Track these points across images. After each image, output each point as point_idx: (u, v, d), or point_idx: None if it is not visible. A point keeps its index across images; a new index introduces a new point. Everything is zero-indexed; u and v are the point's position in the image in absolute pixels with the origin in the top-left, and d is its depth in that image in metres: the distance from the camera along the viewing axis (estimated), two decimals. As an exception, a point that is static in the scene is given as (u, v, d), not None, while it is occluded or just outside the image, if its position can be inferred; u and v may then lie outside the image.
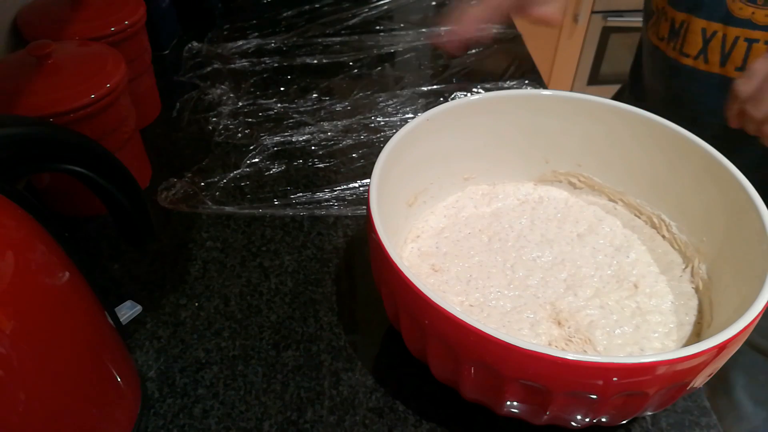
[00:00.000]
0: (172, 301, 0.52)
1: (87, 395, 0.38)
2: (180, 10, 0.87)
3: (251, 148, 0.68)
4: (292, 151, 0.68)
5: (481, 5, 0.53)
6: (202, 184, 0.64)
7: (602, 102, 0.50)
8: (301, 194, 0.63)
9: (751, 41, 0.59)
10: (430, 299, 0.35)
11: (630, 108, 0.49)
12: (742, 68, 0.61)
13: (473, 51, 0.85)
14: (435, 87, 0.78)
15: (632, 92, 0.82)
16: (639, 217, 0.52)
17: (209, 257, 0.56)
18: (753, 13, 0.58)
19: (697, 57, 0.64)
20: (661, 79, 0.72)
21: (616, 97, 0.76)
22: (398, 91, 0.77)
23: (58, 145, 0.38)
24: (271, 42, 0.87)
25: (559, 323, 0.44)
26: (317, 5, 0.95)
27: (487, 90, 0.77)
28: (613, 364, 0.32)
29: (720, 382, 0.73)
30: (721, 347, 0.33)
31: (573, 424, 0.38)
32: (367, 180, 0.55)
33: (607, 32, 1.72)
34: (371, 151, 0.68)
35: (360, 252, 0.57)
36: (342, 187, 0.63)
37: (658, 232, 0.50)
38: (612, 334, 0.43)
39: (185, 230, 0.59)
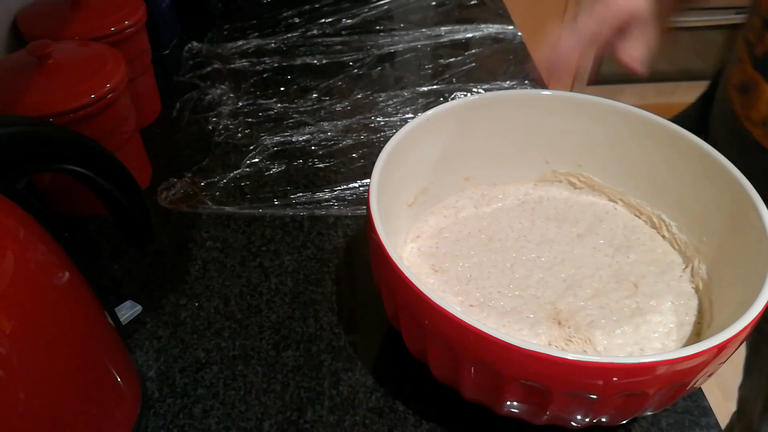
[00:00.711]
0: (172, 301, 0.52)
1: (87, 395, 0.38)
2: (180, 10, 0.87)
3: (251, 148, 0.68)
4: (292, 151, 0.68)
5: (574, 35, 0.50)
6: (202, 184, 0.64)
7: (602, 102, 0.50)
8: (301, 194, 0.63)
9: None
10: (430, 299, 0.35)
11: (630, 108, 0.49)
12: None
13: (473, 51, 0.85)
14: (435, 87, 0.78)
15: (693, 122, 0.70)
16: (639, 217, 0.52)
17: (209, 257, 0.56)
18: None
19: (757, 125, 0.56)
20: (723, 131, 0.63)
21: (679, 116, 0.68)
22: (398, 91, 0.77)
23: (58, 145, 0.38)
24: (271, 42, 0.87)
25: (559, 323, 0.44)
26: (317, 5, 0.95)
27: (487, 90, 0.77)
28: (613, 364, 0.32)
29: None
30: (721, 347, 0.33)
31: (573, 424, 0.38)
32: (367, 180, 0.55)
33: (607, 32, 1.71)
34: (371, 151, 0.68)
35: (360, 252, 0.57)
36: (342, 187, 0.63)
37: (658, 232, 0.50)
38: (612, 334, 0.43)
39: (185, 230, 0.59)
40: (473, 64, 0.83)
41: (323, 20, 0.91)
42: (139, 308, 0.51)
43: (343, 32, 0.89)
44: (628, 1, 0.55)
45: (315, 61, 0.83)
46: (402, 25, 0.91)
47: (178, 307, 0.52)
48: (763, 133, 0.55)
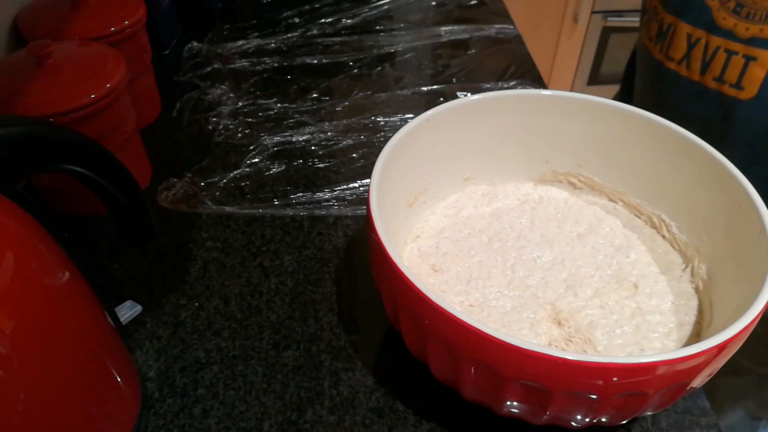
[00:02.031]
0: (172, 301, 0.52)
1: (87, 395, 0.38)
2: (180, 10, 0.87)
3: (251, 148, 0.68)
4: (292, 151, 0.68)
5: None
6: (202, 184, 0.64)
7: (602, 102, 0.50)
8: (301, 194, 0.63)
9: (730, 53, 0.59)
10: (430, 299, 0.35)
11: (630, 108, 0.49)
12: (719, 79, 0.61)
13: (473, 51, 0.85)
14: (435, 87, 0.78)
15: (622, 93, 0.82)
16: (639, 217, 0.52)
17: (209, 257, 0.56)
18: (735, 24, 0.58)
19: (680, 62, 0.64)
20: (648, 81, 0.72)
21: (615, 98, 0.76)
22: (398, 91, 0.77)
23: (58, 145, 0.38)
24: (271, 42, 0.87)
25: (559, 323, 0.44)
26: (317, 5, 0.95)
27: (487, 90, 0.77)
28: (613, 364, 0.32)
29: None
30: (721, 347, 0.33)
31: (573, 424, 0.38)
32: (367, 180, 0.55)
33: (607, 32, 1.72)
34: (371, 151, 0.68)
35: (360, 252, 0.57)
36: (342, 187, 0.63)
37: (658, 232, 0.50)
38: (612, 334, 0.43)
39: (185, 230, 0.59)
40: (473, 64, 0.83)
41: (323, 20, 0.91)
42: (139, 308, 0.51)
43: (343, 32, 0.89)
44: None
45: (315, 61, 0.83)
46: (402, 25, 0.91)
47: (178, 307, 0.52)
48: (684, 67, 0.64)
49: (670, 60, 0.65)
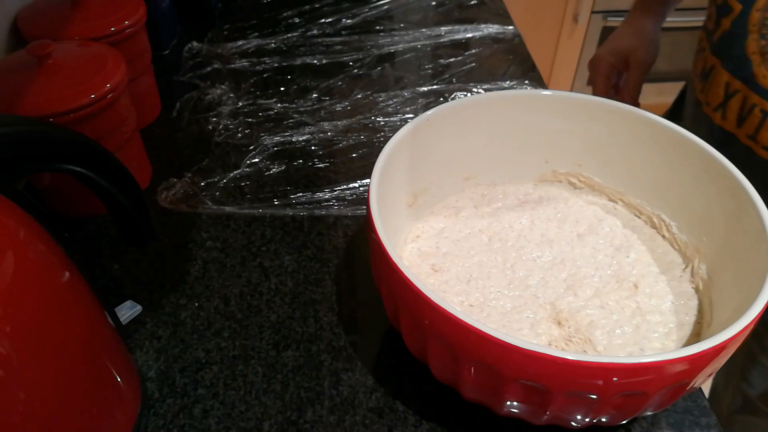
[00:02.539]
0: (172, 301, 0.52)
1: (87, 395, 0.38)
2: (180, 10, 0.87)
3: (251, 148, 0.68)
4: (292, 151, 0.68)
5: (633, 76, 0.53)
6: (202, 184, 0.64)
7: (602, 102, 0.50)
8: (301, 194, 0.63)
9: (766, 114, 0.54)
10: (430, 299, 0.35)
11: (630, 108, 0.49)
12: (753, 137, 0.55)
13: (473, 51, 0.85)
14: (435, 87, 0.78)
15: (672, 111, 0.78)
16: (639, 217, 0.52)
17: (209, 257, 0.56)
18: None
19: (716, 109, 0.59)
20: (690, 120, 0.67)
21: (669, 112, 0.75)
22: (398, 91, 0.77)
23: (58, 145, 0.38)
24: (271, 42, 0.87)
25: (559, 323, 0.44)
26: (317, 5, 0.95)
27: (487, 90, 0.77)
28: (613, 364, 0.32)
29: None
30: (721, 347, 0.33)
31: (573, 424, 0.38)
32: (367, 180, 0.55)
33: (607, 32, 1.72)
34: (371, 151, 0.68)
35: (360, 252, 0.57)
36: (342, 187, 0.63)
37: (658, 232, 0.50)
38: (612, 334, 0.43)
39: (185, 230, 0.59)
40: (473, 64, 0.83)
41: (323, 20, 0.91)
42: (139, 308, 0.51)
43: (343, 32, 0.89)
44: (614, 47, 0.67)
45: (315, 61, 0.83)
46: (402, 25, 0.91)
47: (178, 307, 0.52)
48: (719, 116, 0.59)
49: (706, 105, 0.60)
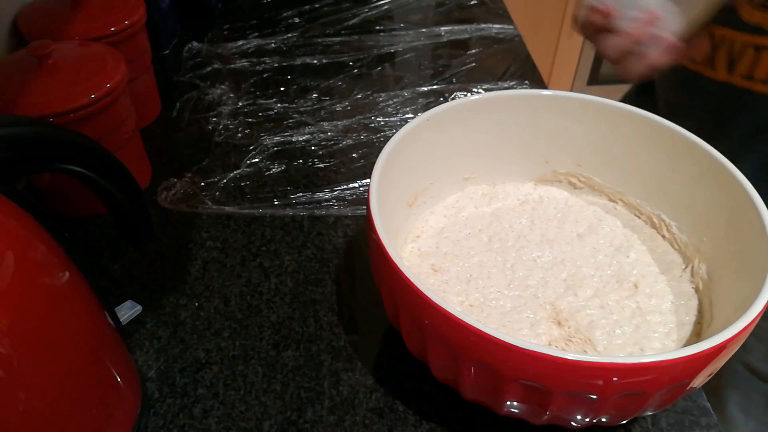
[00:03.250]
0: (172, 301, 0.52)
1: (87, 395, 0.38)
2: (180, 10, 0.87)
3: (251, 148, 0.68)
4: (292, 151, 0.68)
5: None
6: (202, 184, 0.64)
7: (602, 102, 0.50)
8: (301, 194, 0.63)
9: (759, 48, 0.56)
10: (430, 299, 0.35)
11: (630, 108, 0.49)
12: (748, 77, 0.58)
13: (473, 51, 0.85)
14: (435, 87, 0.78)
15: (639, 98, 0.80)
16: (639, 217, 0.52)
17: (209, 257, 0.56)
18: (765, 19, 0.55)
19: (705, 63, 0.61)
20: (669, 87, 0.70)
21: (624, 100, 0.75)
22: (398, 91, 0.77)
23: (58, 145, 0.38)
24: (271, 42, 0.87)
25: (559, 323, 0.44)
26: (317, 5, 0.95)
27: (487, 90, 0.77)
28: (613, 364, 0.32)
29: (714, 399, 0.74)
30: (721, 347, 0.33)
31: (573, 424, 0.38)
32: (367, 180, 0.55)
33: (607, 32, 1.71)
34: (371, 151, 0.68)
35: (360, 252, 0.57)
36: (342, 187, 0.63)
37: (658, 232, 0.50)
38: (612, 334, 0.43)
39: (185, 230, 0.59)
40: (473, 64, 0.83)
41: (323, 20, 0.91)
42: (139, 308, 0.51)
43: (343, 32, 0.89)
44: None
45: (315, 61, 0.83)
46: (402, 25, 0.91)
47: (178, 307, 0.52)
48: (709, 68, 0.62)
49: (694, 62, 0.62)
